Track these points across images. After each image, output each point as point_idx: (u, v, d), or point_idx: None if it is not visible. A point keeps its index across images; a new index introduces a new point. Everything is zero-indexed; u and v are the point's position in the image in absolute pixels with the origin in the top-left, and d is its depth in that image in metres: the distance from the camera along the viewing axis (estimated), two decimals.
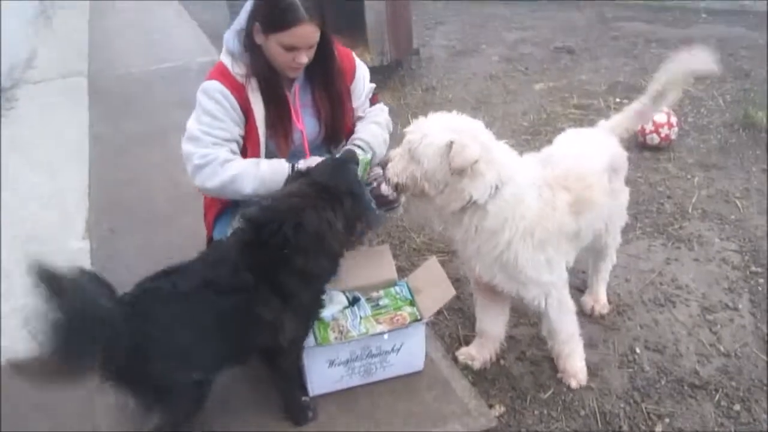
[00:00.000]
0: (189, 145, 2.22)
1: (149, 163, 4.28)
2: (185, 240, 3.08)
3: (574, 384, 2.29)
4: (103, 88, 6.17)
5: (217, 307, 1.77)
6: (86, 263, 3.13)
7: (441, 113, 1.98)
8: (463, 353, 2.42)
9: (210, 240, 2.50)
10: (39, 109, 5.80)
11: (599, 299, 2.65)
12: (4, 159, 4.69)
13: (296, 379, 2.12)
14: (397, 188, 2.01)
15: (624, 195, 2.48)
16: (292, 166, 2.22)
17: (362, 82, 2.52)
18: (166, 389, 1.79)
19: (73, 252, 3.29)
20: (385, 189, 2.35)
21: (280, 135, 2.28)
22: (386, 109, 2.63)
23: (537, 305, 2.14)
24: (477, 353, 2.39)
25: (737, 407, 2.20)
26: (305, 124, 2.37)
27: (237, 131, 2.25)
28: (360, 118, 2.53)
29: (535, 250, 1.99)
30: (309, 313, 1.99)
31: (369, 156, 2.37)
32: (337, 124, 2.41)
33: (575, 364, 2.30)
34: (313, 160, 2.22)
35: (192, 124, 2.23)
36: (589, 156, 2.21)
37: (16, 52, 7.79)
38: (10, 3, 8.36)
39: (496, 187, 1.90)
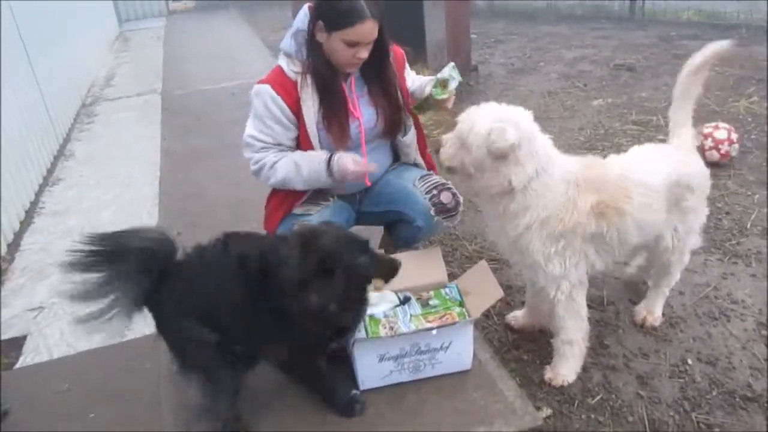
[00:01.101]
0: (245, 150, 2.49)
1: (215, 175, 4.51)
2: None
3: (554, 382, 2.35)
4: (175, 104, 6.53)
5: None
6: None
7: (491, 103, 2.10)
8: (510, 316, 2.64)
9: None
10: (115, 124, 6.19)
11: (653, 311, 2.63)
12: (84, 169, 5.04)
13: (344, 373, 2.22)
14: (449, 171, 2.19)
15: (697, 215, 2.43)
16: (329, 159, 2.37)
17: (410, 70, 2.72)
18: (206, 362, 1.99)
19: None
20: (445, 197, 2.46)
21: (335, 127, 2.41)
22: None
23: (548, 293, 2.21)
24: (521, 318, 2.59)
25: None
26: (362, 112, 2.49)
27: (285, 135, 2.44)
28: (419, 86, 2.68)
29: (547, 240, 2.09)
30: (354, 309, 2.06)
31: (451, 63, 2.53)
32: (395, 117, 2.53)
33: (563, 366, 2.35)
34: (345, 156, 2.37)
35: (247, 129, 2.47)
36: (649, 170, 2.23)
37: (95, 71, 8.35)
38: (91, 26, 8.97)
39: (531, 177, 2.02)
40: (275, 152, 2.45)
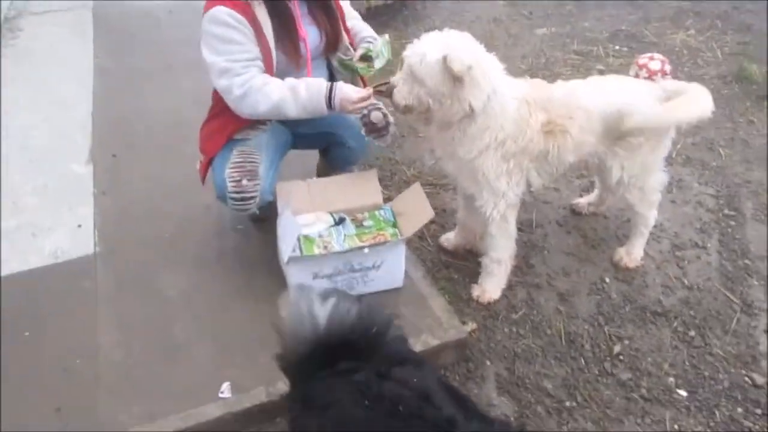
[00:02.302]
0: (222, 79, 2.25)
1: (153, 96, 4.35)
2: (183, 166, 3.19)
3: (481, 299, 2.49)
4: (109, 20, 6.18)
5: None
6: (89, 186, 3.27)
7: (433, 33, 2.09)
8: (443, 238, 2.76)
9: (204, 176, 2.58)
10: (44, 40, 5.83)
11: (631, 252, 2.67)
12: (11, 88, 4.79)
13: None
14: (405, 110, 2.17)
15: (651, 154, 2.40)
16: (330, 87, 2.26)
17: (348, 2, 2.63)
18: None
19: (77, 175, 3.42)
20: (375, 117, 2.47)
21: (288, 46, 2.33)
22: None
23: (485, 212, 2.31)
24: (453, 238, 2.72)
25: (692, 333, 2.37)
26: (307, 32, 2.41)
27: (256, 50, 2.28)
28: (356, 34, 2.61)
29: (502, 159, 2.19)
30: None
31: (386, 36, 2.48)
32: (335, 32, 2.48)
33: (490, 283, 2.50)
34: (345, 86, 2.29)
35: (214, 58, 2.24)
36: (593, 95, 2.27)
37: None
38: None
39: (488, 97, 2.07)
40: (258, 72, 2.26)
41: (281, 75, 2.36)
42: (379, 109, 2.46)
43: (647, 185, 2.49)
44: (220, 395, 2.04)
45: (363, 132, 2.47)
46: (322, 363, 1.36)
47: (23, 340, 2.32)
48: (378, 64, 2.41)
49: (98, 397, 2.06)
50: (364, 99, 2.28)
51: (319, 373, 1.36)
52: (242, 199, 2.36)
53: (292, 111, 2.28)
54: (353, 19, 2.66)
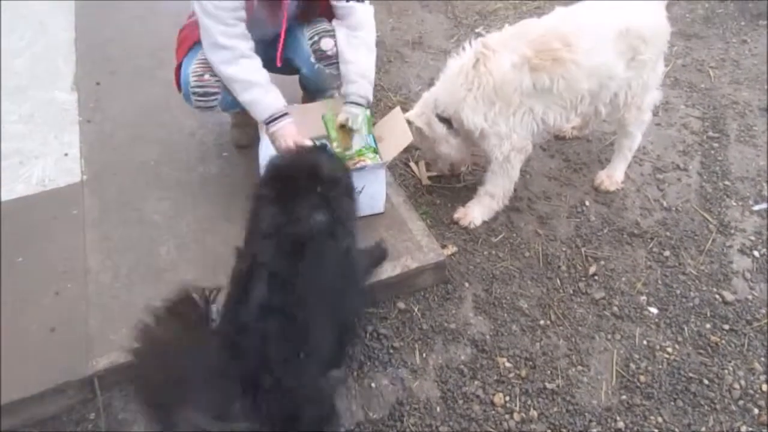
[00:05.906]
0: (207, 19, 2.18)
1: (134, 17, 4.27)
2: (167, 91, 3.16)
3: (461, 221, 2.54)
4: None
5: None
6: (74, 114, 3.26)
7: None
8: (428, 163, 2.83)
9: (178, 77, 2.50)
10: None
11: (612, 175, 2.69)
12: None
13: None
14: (452, 169, 2.72)
15: (650, 71, 2.41)
16: (281, 115, 2.27)
17: None
18: None
19: (61, 103, 3.40)
20: (324, 44, 2.39)
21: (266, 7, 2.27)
22: (371, 10, 2.43)
23: (490, 153, 2.38)
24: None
25: (667, 253, 2.43)
26: None
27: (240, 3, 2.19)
28: (342, 15, 2.41)
29: (481, 103, 2.25)
30: None
31: (367, 112, 2.42)
32: (312, 8, 2.42)
33: (476, 209, 2.55)
34: (289, 127, 2.28)
35: (212, 32, 2.19)
36: (596, 18, 2.26)
37: None
38: None
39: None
40: (244, 37, 2.24)
41: (254, 28, 2.29)
42: (332, 36, 2.39)
43: (644, 103, 2.50)
44: None
45: (312, 59, 2.42)
46: None
47: (17, 266, 2.38)
48: (356, 144, 2.41)
49: (89, 318, 2.14)
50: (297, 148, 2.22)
51: None
52: (204, 94, 2.35)
53: (239, 96, 2.28)
54: (352, 44, 2.42)
